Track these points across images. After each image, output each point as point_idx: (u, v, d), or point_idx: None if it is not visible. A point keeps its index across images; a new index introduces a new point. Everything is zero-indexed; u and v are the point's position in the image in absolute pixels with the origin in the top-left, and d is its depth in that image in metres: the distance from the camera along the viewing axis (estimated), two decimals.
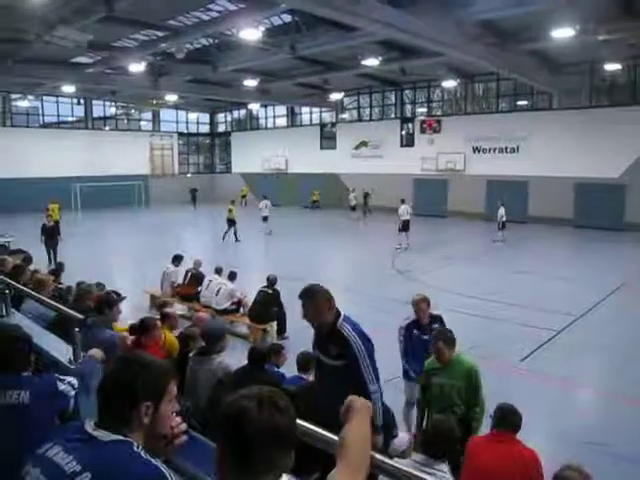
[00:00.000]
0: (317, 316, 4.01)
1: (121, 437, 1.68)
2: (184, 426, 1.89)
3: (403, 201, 20.78)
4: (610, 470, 5.57)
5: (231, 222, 21.65)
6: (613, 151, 23.81)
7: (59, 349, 3.41)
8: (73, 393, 2.68)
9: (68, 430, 1.79)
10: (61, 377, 2.72)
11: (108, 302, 5.50)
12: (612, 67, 22.52)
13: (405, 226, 19.61)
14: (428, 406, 5.11)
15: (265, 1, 14.95)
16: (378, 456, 1.80)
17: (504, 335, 9.92)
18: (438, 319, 6.18)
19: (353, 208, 30.52)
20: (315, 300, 3.99)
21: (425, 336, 5.83)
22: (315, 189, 34.90)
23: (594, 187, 24.40)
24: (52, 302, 4.01)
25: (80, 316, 3.22)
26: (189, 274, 11.54)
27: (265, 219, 23.25)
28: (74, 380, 2.76)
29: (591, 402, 7.68)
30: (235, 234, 21.55)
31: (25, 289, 5.19)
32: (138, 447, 1.66)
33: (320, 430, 1.95)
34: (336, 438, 1.78)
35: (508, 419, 3.83)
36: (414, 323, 6.11)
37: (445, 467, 3.08)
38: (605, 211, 24.06)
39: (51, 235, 16.66)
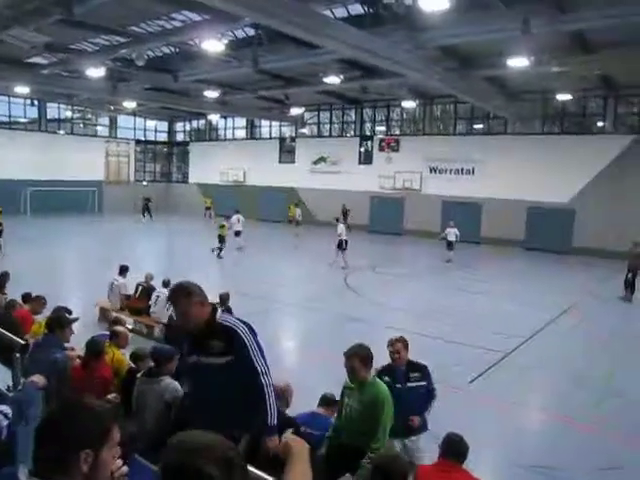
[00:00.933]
0: (197, 316, 3.51)
1: None
2: (125, 469, 1.81)
3: (338, 220, 20.99)
4: None
5: (221, 238, 20.82)
6: (564, 177, 24.62)
7: None
8: (5, 423, 2.53)
9: (1, 477, 1.69)
10: None
11: (59, 322, 5.31)
12: (563, 97, 23.34)
13: (342, 244, 19.30)
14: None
15: (229, 14, 14.90)
16: None
17: (453, 356, 10.00)
18: (420, 369, 5.44)
19: (297, 223, 29.91)
20: (192, 298, 3.50)
21: (398, 385, 5.13)
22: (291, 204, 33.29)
23: (545, 211, 25.16)
24: None
25: (21, 341, 3.08)
26: (139, 287, 11.28)
27: (237, 234, 22.51)
28: (7, 409, 2.60)
29: (539, 425, 7.80)
30: (220, 250, 20.69)
31: None
32: None
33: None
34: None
35: (455, 448, 3.86)
36: (387, 369, 5.34)
37: None
38: (555, 234, 24.81)
39: None
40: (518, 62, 17.03)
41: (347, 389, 4.69)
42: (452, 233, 20.89)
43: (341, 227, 19.64)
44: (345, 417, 4.62)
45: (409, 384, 5.20)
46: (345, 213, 30.88)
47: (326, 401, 5.38)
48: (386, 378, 5.08)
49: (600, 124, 25.36)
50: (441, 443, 3.94)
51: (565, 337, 11.79)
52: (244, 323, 3.66)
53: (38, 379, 3.04)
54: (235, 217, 22.88)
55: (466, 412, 7.71)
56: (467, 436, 4.16)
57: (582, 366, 9.75)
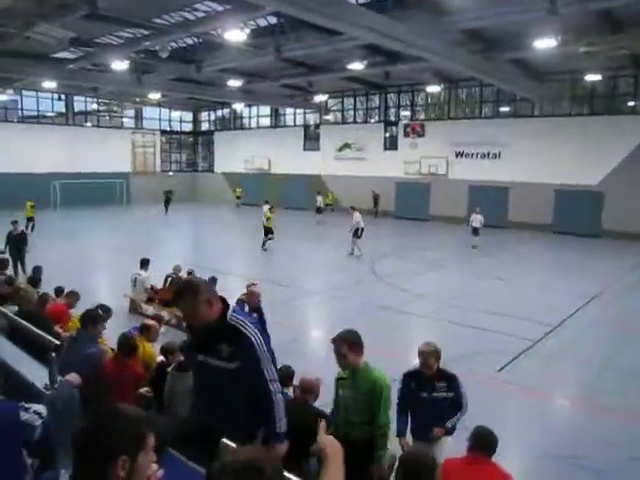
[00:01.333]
0: (205, 316, 3.28)
1: None
2: (161, 473, 1.87)
3: (354, 208, 20.37)
4: None
5: (268, 230, 20.17)
6: (592, 159, 24.17)
7: (35, 372, 3.35)
8: (39, 422, 2.59)
9: None
10: (26, 405, 2.62)
11: (93, 319, 5.44)
12: (592, 77, 22.83)
13: (357, 232, 19.06)
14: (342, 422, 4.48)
15: (250, 3, 14.88)
16: None
17: (481, 344, 9.97)
18: (449, 379, 5.11)
19: (318, 210, 29.49)
20: (198, 297, 3.23)
21: (424, 393, 4.97)
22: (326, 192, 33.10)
23: (573, 194, 24.73)
24: (25, 324, 3.90)
25: (56, 341, 3.17)
26: (169, 279, 11.46)
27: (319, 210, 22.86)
28: (41, 408, 2.66)
29: (567, 414, 7.76)
30: (264, 242, 20.05)
31: None
32: None
33: None
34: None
35: (484, 442, 3.87)
36: (415, 374, 5.12)
37: None
38: (583, 218, 24.40)
39: (17, 245, 14.70)
40: (545, 43, 16.74)
41: (340, 380, 4.57)
42: (477, 219, 20.66)
43: (357, 215, 19.42)
44: (343, 410, 4.48)
45: (435, 394, 4.95)
46: (376, 199, 30.83)
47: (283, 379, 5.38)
48: (412, 384, 5.00)
49: (630, 104, 24.73)
50: (470, 436, 3.95)
51: (593, 324, 11.64)
52: (254, 324, 3.48)
53: (73, 378, 3.12)
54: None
55: (494, 400, 7.71)
56: (494, 425, 4.17)
57: (610, 354, 9.64)
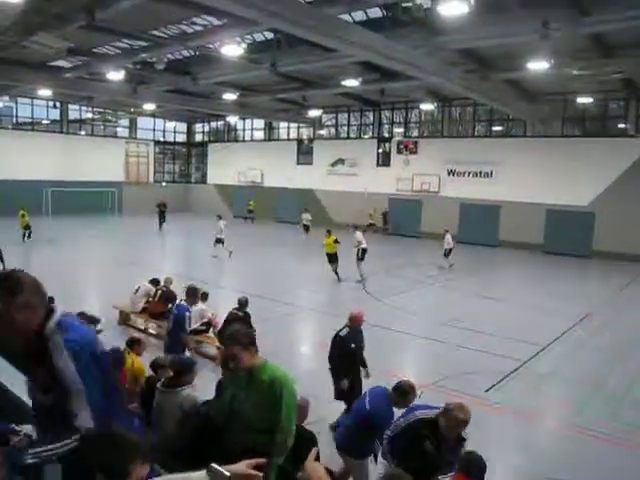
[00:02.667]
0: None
1: None
2: None
3: (357, 227, 19.19)
4: None
5: (331, 256, 17.39)
6: (583, 180, 24.41)
7: (21, 385, 3.32)
8: (29, 446, 2.55)
9: None
10: (16, 428, 2.59)
11: None
12: (584, 99, 23.13)
13: (363, 255, 17.61)
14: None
15: (247, 19, 15.00)
16: None
17: (469, 364, 9.98)
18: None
19: (306, 228, 28.22)
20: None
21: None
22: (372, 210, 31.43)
23: (564, 214, 24.94)
24: None
25: None
26: (159, 292, 11.40)
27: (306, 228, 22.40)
28: (31, 430, 2.63)
29: (555, 436, 7.77)
30: (336, 273, 17.35)
31: None
32: None
33: None
34: None
35: (474, 468, 3.87)
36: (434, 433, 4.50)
37: None
38: (574, 238, 24.58)
39: None
40: (538, 65, 16.92)
41: (228, 378, 4.21)
42: (447, 240, 20.29)
43: (359, 235, 17.85)
44: (232, 414, 3.85)
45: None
46: (385, 215, 30.91)
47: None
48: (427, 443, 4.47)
49: (621, 126, 25.07)
50: (459, 460, 3.95)
51: (582, 345, 11.68)
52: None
53: None
54: (304, 215, 22.67)
55: (481, 421, 7.70)
56: (481, 446, 4.18)
57: (600, 376, 9.67)
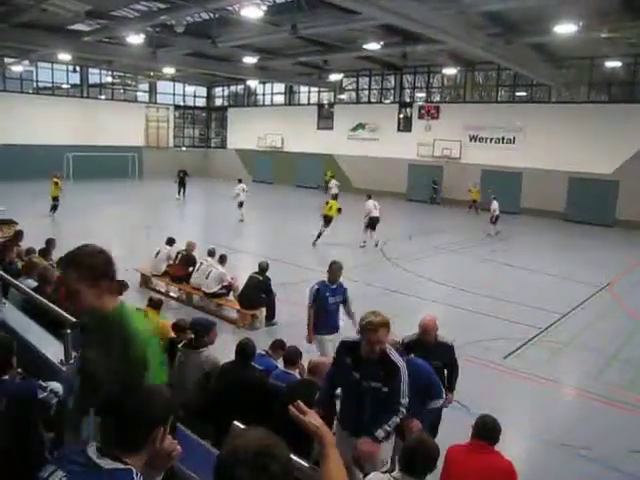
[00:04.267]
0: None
1: (122, 465, 1.74)
2: (179, 449, 1.96)
3: (370, 197, 18.59)
4: (588, 474, 5.73)
5: (327, 219, 17.76)
6: (608, 147, 23.88)
7: (50, 347, 3.42)
8: (55, 400, 2.66)
9: (71, 455, 1.84)
10: (43, 384, 2.69)
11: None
12: (612, 64, 22.49)
13: (373, 223, 17.50)
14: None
15: None
16: None
17: (488, 331, 10.02)
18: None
19: (335, 197, 24.36)
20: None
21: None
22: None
23: (587, 182, 24.52)
24: (41, 299, 3.97)
25: (72, 319, 3.23)
26: (179, 255, 11.53)
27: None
28: (58, 386, 2.73)
29: (572, 404, 7.80)
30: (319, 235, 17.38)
31: (7, 278, 5.03)
32: (137, 475, 1.74)
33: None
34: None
35: (488, 431, 3.92)
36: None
37: None
38: (596, 207, 24.21)
39: None
40: (565, 28, 16.45)
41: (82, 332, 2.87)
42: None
43: (370, 204, 17.76)
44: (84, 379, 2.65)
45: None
46: (435, 185, 29.83)
47: (290, 359, 5.49)
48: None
49: None
50: (474, 424, 4.00)
51: (601, 315, 11.62)
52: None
53: None
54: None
55: (499, 388, 7.78)
56: (498, 412, 4.22)
57: (619, 345, 9.66)
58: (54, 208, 20.02)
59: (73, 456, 1.80)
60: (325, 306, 7.17)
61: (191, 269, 11.05)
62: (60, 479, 1.72)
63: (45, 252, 8.95)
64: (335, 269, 7.31)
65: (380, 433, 4.00)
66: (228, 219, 21.24)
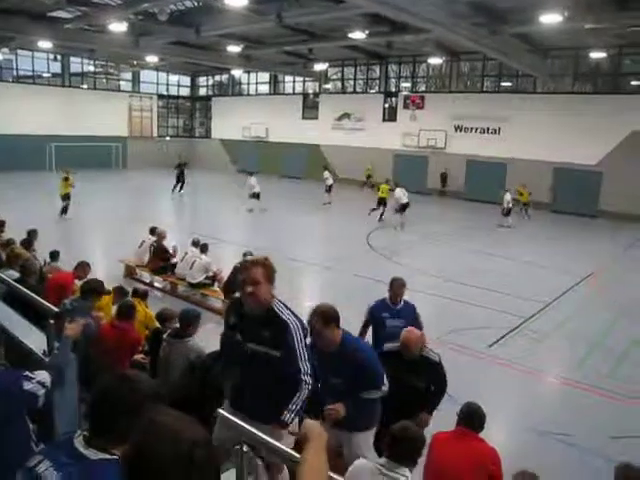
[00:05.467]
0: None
1: (108, 456, 1.72)
2: None
3: (397, 185, 20.67)
4: (574, 463, 5.80)
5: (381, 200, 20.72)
6: (592, 138, 24.02)
7: (32, 338, 3.36)
8: (42, 392, 2.61)
9: (58, 445, 1.83)
10: (30, 375, 2.63)
11: (97, 291, 5.45)
12: (597, 55, 22.60)
13: (404, 208, 19.57)
14: None
15: None
16: None
17: (473, 319, 10.07)
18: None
19: (328, 189, 24.59)
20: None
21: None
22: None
23: (572, 173, 24.69)
24: (25, 290, 3.91)
25: (55, 309, 3.18)
26: (152, 248, 11.31)
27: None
28: (45, 376, 2.68)
29: (555, 391, 7.89)
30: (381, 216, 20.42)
31: None
32: None
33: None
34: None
35: (474, 418, 3.94)
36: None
37: (408, 472, 3.15)
38: (581, 197, 24.40)
39: None
40: (550, 18, 16.46)
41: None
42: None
43: (399, 192, 19.79)
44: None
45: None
46: (444, 178, 29.36)
47: None
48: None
49: (635, 83, 24.54)
50: (459, 411, 4.02)
51: (585, 304, 11.75)
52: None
53: (71, 329, 3.06)
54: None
55: (484, 376, 7.83)
56: (483, 400, 4.24)
57: (601, 333, 9.77)
58: (65, 210, 18.05)
59: (60, 446, 1.80)
60: (381, 330, 5.84)
61: (175, 260, 10.98)
62: (46, 469, 1.70)
63: (27, 243, 8.81)
64: (396, 286, 6.09)
65: (287, 416, 3.36)
66: (223, 209, 21.13)
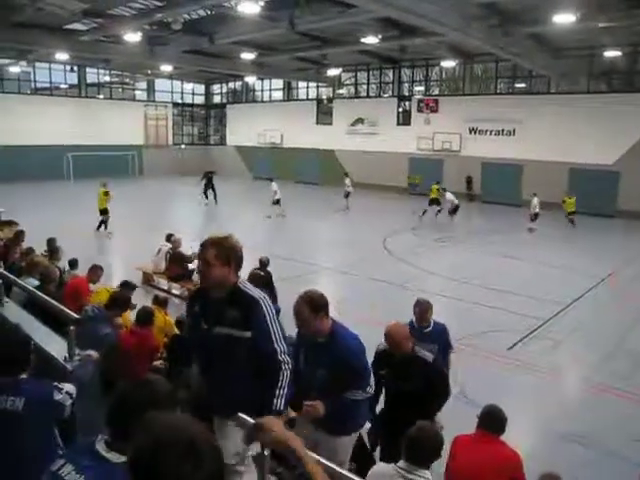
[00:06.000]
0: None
1: None
2: None
3: (445, 190, 22.59)
4: (596, 465, 5.73)
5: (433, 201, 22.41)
6: (609, 138, 23.80)
7: (53, 344, 3.42)
8: (70, 402, 2.68)
9: (80, 449, 1.88)
10: (59, 386, 2.71)
11: (123, 306, 5.53)
12: (612, 54, 22.38)
13: (455, 210, 21.63)
14: None
15: None
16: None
17: (492, 322, 10.03)
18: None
19: (347, 195, 25.04)
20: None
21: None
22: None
23: (588, 173, 24.45)
24: (46, 298, 3.98)
25: (76, 315, 3.23)
26: (167, 256, 11.39)
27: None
28: (72, 388, 2.75)
29: (574, 394, 7.82)
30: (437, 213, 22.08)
31: (12, 277, 5.06)
32: None
33: None
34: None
35: (494, 421, 3.91)
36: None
37: (428, 474, 3.14)
38: (598, 197, 24.11)
39: None
40: (564, 18, 16.37)
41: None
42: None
43: (450, 195, 21.83)
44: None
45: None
46: (470, 182, 29.11)
47: None
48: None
49: None
50: (480, 414, 3.99)
51: (604, 305, 11.63)
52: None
53: (93, 354, 3.19)
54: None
55: (503, 379, 7.77)
56: (502, 403, 4.21)
57: (620, 335, 9.67)
58: (103, 224, 17.77)
59: (82, 450, 1.84)
60: None
61: (191, 266, 11.04)
62: (69, 473, 1.74)
63: (51, 252, 8.92)
64: (422, 310, 5.65)
65: (277, 403, 3.04)
66: (241, 217, 21.20)
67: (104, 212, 17.72)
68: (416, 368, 4.38)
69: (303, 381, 3.69)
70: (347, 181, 25.68)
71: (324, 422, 3.72)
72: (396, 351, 4.41)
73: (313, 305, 3.63)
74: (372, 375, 3.96)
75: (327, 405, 3.62)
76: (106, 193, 17.88)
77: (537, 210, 20.44)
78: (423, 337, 5.29)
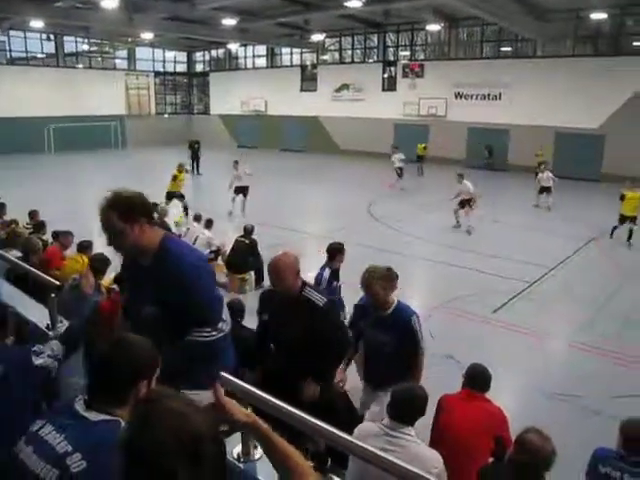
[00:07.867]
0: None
1: (109, 417, 1.76)
2: None
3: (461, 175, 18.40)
4: (579, 422, 5.84)
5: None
6: (594, 101, 23.74)
7: (35, 312, 3.39)
8: (55, 364, 2.62)
9: (59, 409, 1.88)
10: (38, 349, 2.64)
11: (104, 263, 5.53)
12: (598, 16, 22.18)
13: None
14: None
15: None
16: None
17: (477, 286, 10.09)
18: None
19: (399, 171, 21.98)
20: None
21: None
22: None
23: (574, 137, 24.45)
24: (26, 266, 3.92)
25: (57, 282, 3.19)
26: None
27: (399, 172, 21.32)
28: (55, 349, 2.68)
29: (561, 354, 7.93)
30: None
31: None
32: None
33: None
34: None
35: (479, 379, 3.97)
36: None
37: (412, 431, 3.18)
38: (583, 161, 24.18)
39: None
40: None
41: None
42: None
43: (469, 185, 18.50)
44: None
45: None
46: (490, 151, 27.69)
47: None
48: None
49: (637, 44, 24.12)
50: (464, 373, 4.05)
51: (590, 267, 11.76)
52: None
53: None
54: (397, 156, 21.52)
55: (489, 341, 7.87)
56: (490, 364, 4.26)
57: (606, 297, 9.77)
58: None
59: (61, 410, 1.84)
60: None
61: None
62: (50, 432, 1.74)
63: (37, 226, 8.81)
64: (367, 283, 4.37)
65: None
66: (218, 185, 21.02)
67: (170, 196, 15.31)
68: (304, 310, 3.77)
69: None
70: (395, 157, 21.95)
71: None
72: (278, 288, 3.81)
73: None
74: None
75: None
76: (175, 177, 15.69)
77: (549, 184, 18.47)
78: (376, 322, 4.37)
